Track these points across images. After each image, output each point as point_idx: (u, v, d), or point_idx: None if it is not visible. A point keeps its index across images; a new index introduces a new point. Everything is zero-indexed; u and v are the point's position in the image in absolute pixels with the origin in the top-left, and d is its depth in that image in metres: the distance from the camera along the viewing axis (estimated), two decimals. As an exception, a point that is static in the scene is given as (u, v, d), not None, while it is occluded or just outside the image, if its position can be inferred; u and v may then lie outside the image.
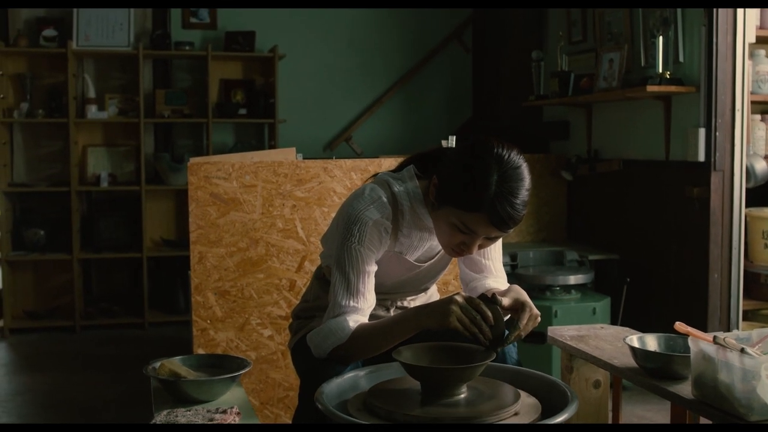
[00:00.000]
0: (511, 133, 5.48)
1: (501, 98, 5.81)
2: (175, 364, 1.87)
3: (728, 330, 3.75)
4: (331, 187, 3.03)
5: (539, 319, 1.82)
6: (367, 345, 1.84)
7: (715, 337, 1.70)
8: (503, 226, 1.76)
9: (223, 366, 1.95)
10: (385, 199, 1.90)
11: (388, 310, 2.11)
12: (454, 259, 2.09)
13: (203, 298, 2.99)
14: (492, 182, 1.73)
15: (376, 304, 1.98)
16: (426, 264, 2.03)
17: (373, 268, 1.90)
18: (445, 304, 1.73)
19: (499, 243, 2.10)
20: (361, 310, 1.87)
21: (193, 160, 2.99)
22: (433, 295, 2.24)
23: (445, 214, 1.81)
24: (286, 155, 3.19)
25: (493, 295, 1.78)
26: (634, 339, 2.04)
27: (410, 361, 1.67)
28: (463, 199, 1.76)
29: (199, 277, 2.98)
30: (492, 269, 2.10)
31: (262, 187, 3.00)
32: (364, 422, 1.54)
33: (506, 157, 1.77)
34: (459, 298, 1.73)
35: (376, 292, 1.96)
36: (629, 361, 2.04)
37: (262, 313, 3.03)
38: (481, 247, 1.85)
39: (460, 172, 1.79)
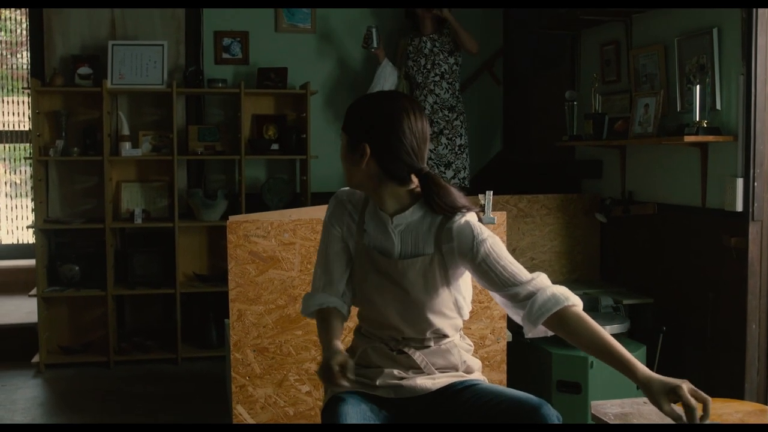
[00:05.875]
0: (542, 170, 5.47)
1: (532, 132, 5.79)
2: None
3: (766, 380, 3.71)
4: (370, 246, 3.03)
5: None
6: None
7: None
8: None
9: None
10: (358, 191, 2.26)
11: (392, 350, 2.17)
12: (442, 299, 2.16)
13: (242, 355, 3.01)
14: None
15: (379, 341, 2.19)
16: (396, 261, 2.13)
17: (336, 241, 2.26)
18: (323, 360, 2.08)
19: (497, 247, 2.08)
20: (322, 287, 2.25)
21: (232, 218, 3.02)
22: (450, 349, 2.21)
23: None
24: (324, 212, 3.20)
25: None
26: (682, 425, 2.01)
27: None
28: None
29: (237, 335, 3.01)
30: (514, 276, 2.07)
31: (301, 245, 3.02)
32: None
33: None
34: (322, 363, 2.06)
35: (373, 321, 2.21)
36: (676, 446, 2.03)
37: (300, 369, 3.05)
38: None
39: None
